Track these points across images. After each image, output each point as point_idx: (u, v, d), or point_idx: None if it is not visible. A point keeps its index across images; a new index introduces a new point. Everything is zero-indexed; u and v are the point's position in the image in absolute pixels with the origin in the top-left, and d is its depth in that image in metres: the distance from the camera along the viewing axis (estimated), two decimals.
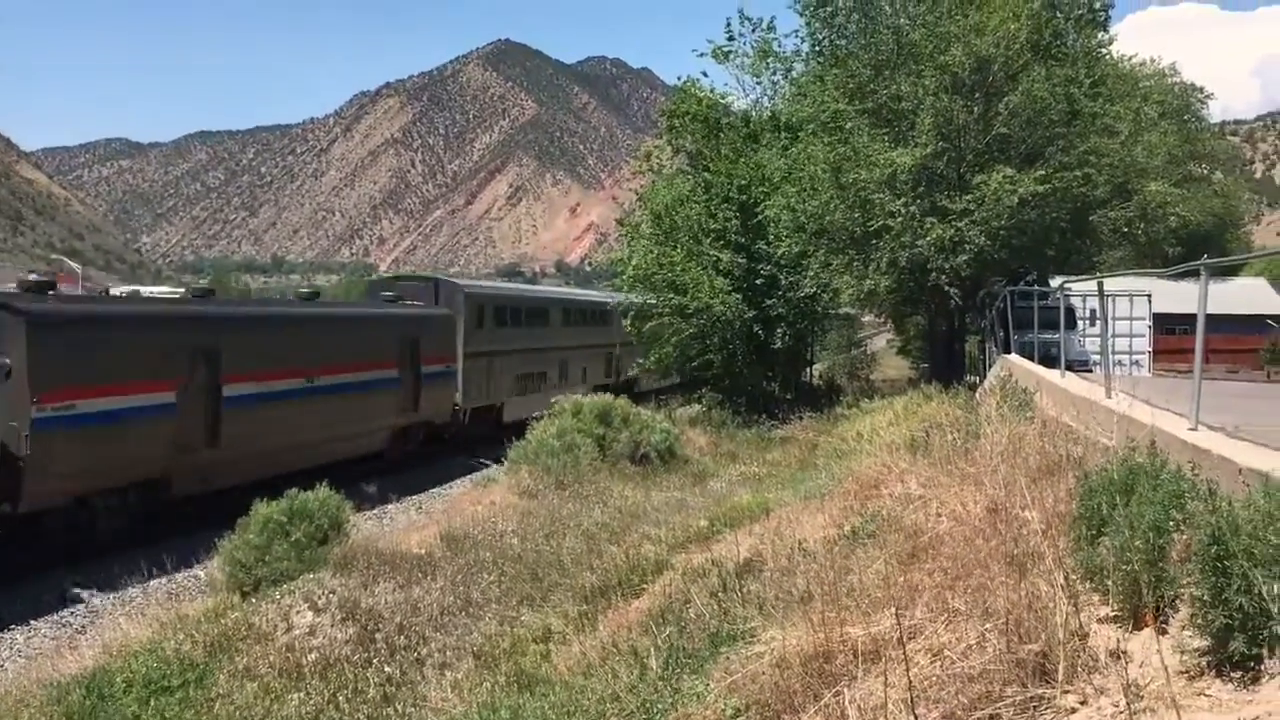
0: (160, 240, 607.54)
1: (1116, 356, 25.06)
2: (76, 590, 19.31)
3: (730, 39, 44.16)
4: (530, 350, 43.78)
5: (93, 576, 19.93)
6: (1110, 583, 6.47)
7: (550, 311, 48.46)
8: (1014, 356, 24.52)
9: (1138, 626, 6.17)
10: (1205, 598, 5.35)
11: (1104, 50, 36.32)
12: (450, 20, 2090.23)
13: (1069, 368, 19.42)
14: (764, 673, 6.97)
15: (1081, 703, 5.48)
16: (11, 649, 17.04)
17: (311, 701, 11.92)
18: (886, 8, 33.92)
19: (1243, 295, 49.25)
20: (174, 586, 19.69)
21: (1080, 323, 29.99)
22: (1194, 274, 11.08)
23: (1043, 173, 29.70)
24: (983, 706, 5.57)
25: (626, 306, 43.97)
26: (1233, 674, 5.25)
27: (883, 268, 31.79)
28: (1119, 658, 5.68)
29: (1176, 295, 31.00)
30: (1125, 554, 6.28)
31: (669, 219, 42.08)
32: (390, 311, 35.27)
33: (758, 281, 39.99)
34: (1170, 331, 35.26)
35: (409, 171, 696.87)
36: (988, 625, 6.16)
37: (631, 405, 30.56)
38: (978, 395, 24.52)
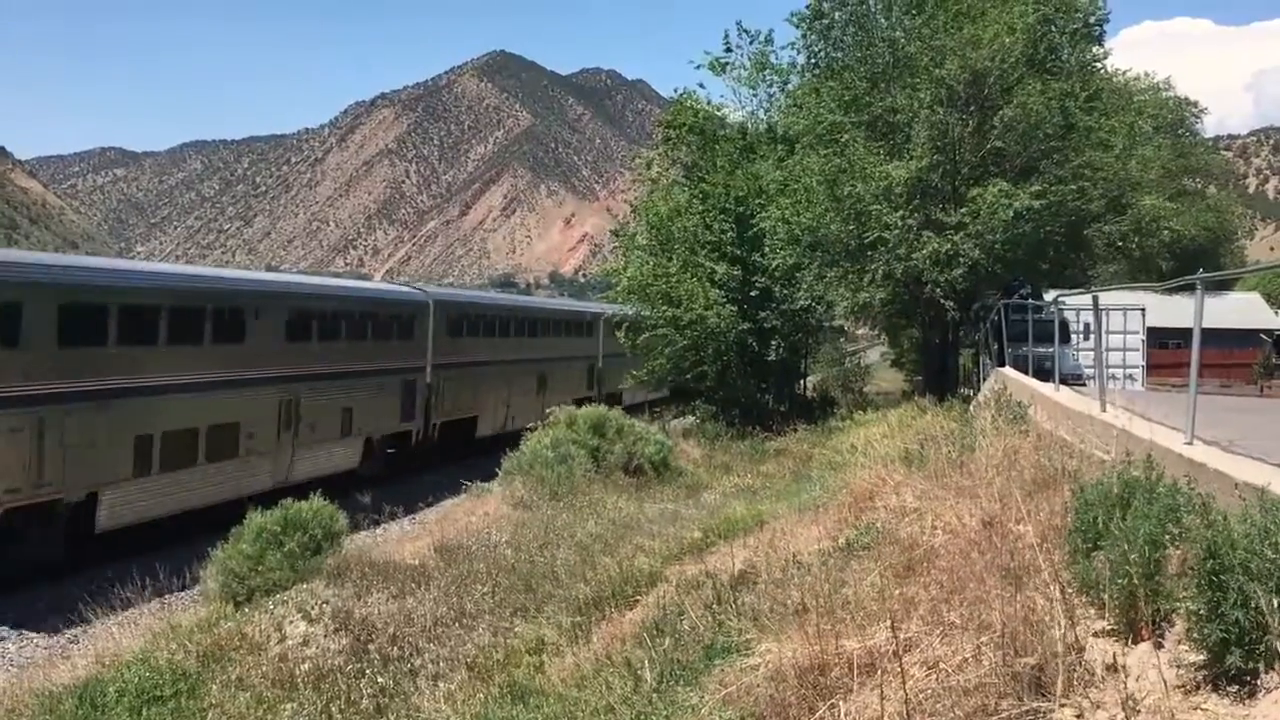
0: (155, 249, 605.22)
1: (1110, 370, 25.11)
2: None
3: (728, 50, 44.25)
4: (181, 388, 24.52)
5: (84, 586, 19.87)
6: (1106, 596, 6.48)
7: (248, 314, 27.80)
8: (1008, 370, 24.55)
9: (1134, 640, 6.17)
10: (1202, 612, 5.36)
11: (1099, 64, 36.42)
12: (445, 31, 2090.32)
13: (1063, 381, 19.45)
14: (759, 685, 6.96)
15: (1078, 716, 5.47)
16: (3, 658, 17.02)
17: (305, 712, 11.89)
18: (882, 21, 34.00)
19: (1236, 310, 49.46)
20: (167, 596, 19.65)
21: (1074, 336, 30.04)
22: (1187, 288, 11.10)
23: (1038, 187, 29.77)
24: None
25: (621, 318, 43.82)
26: (1229, 688, 5.25)
27: (877, 280, 31.83)
28: (1116, 671, 5.67)
29: (1169, 309, 31.15)
30: (1121, 568, 6.29)
31: (664, 230, 42.11)
32: None
33: (752, 293, 40.00)
34: (1163, 345, 35.41)
35: (404, 182, 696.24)
36: (983, 638, 6.16)
37: (625, 416, 30.49)
38: (972, 408, 24.52)
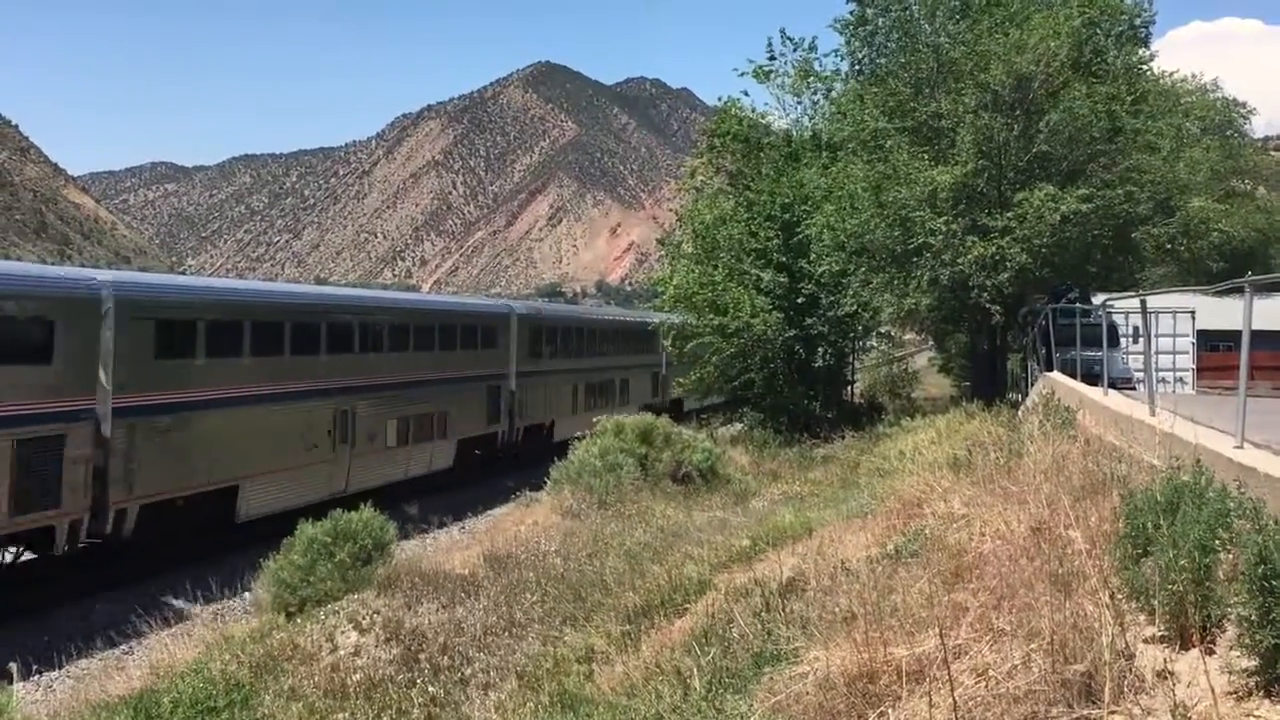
0: (206, 263, 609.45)
1: (1160, 374, 24.90)
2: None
3: (771, 59, 44.29)
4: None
5: (139, 598, 20.08)
6: (1156, 602, 6.44)
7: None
8: (1056, 374, 24.39)
9: (1185, 647, 6.14)
10: (1253, 618, 5.33)
11: (1145, 67, 36.14)
12: (490, 43, 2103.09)
13: (1112, 385, 19.31)
14: (808, 693, 6.96)
15: None
16: (60, 670, 17.20)
17: None
18: (926, 26, 33.86)
19: None
20: (219, 607, 19.82)
21: (1123, 340, 29.82)
22: (1238, 290, 11.01)
23: (1084, 190, 29.54)
24: None
25: (669, 327, 43.94)
26: None
27: (923, 286, 31.68)
28: (1166, 678, 5.65)
29: (1220, 312, 30.80)
30: (1171, 573, 6.25)
31: (710, 238, 42.15)
32: None
33: (799, 300, 39.91)
34: (1214, 348, 35.04)
35: (450, 193, 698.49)
36: (1033, 645, 6.14)
37: (673, 424, 30.50)
38: (1020, 413, 24.39)
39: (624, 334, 52.24)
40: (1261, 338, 22.27)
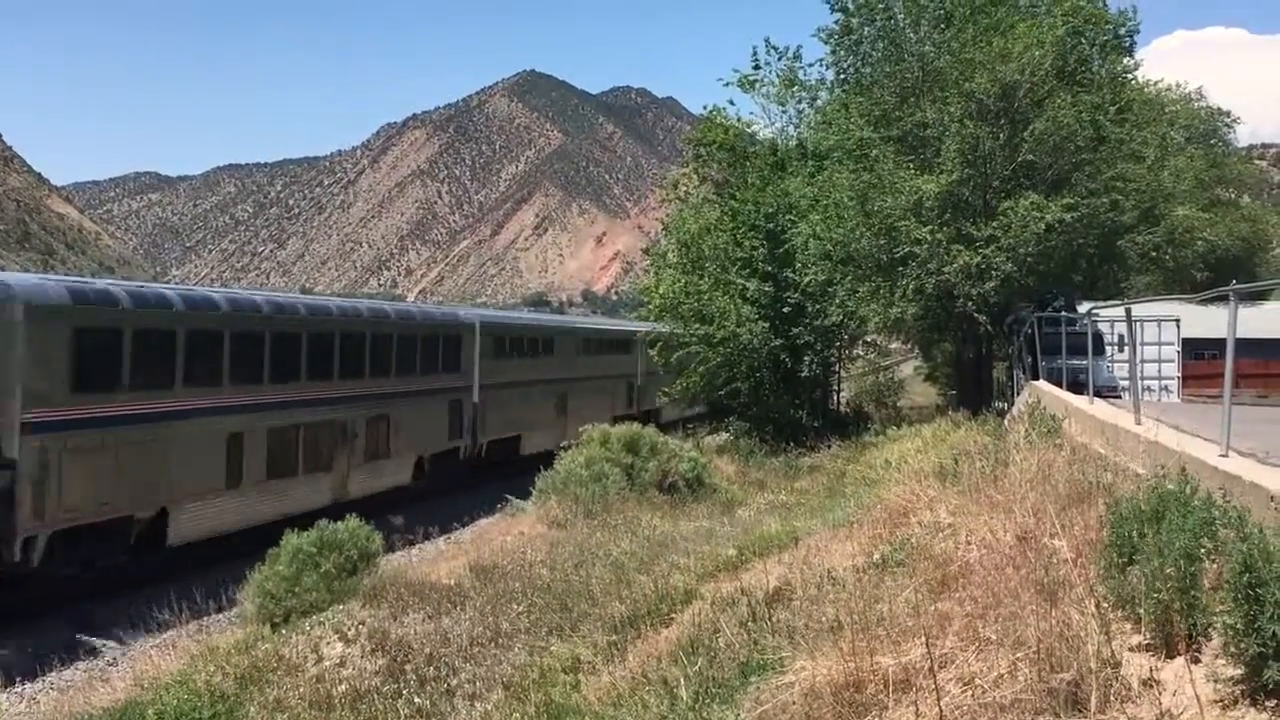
0: (190, 273, 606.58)
1: (1145, 382, 24.94)
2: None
3: (756, 68, 44.32)
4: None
5: (123, 610, 20.01)
6: (1142, 611, 6.45)
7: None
8: (1042, 383, 24.44)
9: (1170, 655, 6.15)
10: (1238, 626, 5.33)
11: (1130, 76, 36.22)
12: (476, 52, 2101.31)
13: (1097, 394, 19.35)
14: (794, 702, 6.96)
15: None
16: (44, 682, 17.12)
17: None
18: (911, 35, 33.88)
19: (1272, 320, 48.99)
20: (204, 619, 19.75)
21: (1108, 348, 29.86)
22: (1222, 299, 11.05)
23: (1069, 199, 29.59)
24: None
25: (655, 336, 43.89)
26: (1267, 702, 5.23)
27: (909, 295, 31.67)
28: (1152, 686, 5.65)
29: (1205, 320, 30.86)
30: (1156, 582, 6.26)
31: (696, 247, 42.16)
32: None
33: (785, 309, 39.94)
34: (1199, 356, 35.10)
35: (436, 202, 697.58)
36: (1019, 654, 6.14)
37: (659, 434, 30.47)
38: (1006, 422, 24.42)
39: (389, 341, 33.12)
40: (1246, 346, 22.34)
